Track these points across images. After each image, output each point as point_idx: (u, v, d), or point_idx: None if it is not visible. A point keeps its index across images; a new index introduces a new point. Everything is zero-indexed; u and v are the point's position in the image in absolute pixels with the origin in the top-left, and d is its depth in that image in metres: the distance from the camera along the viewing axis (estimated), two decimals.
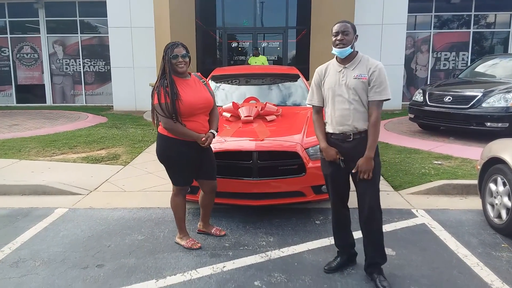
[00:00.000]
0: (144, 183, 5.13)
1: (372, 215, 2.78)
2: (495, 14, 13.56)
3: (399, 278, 2.91)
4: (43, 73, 14.02)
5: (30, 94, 14.18)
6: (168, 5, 9.49)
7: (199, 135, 3.14)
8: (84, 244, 3.51)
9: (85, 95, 14.04)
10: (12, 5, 13.50)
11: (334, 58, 2.85)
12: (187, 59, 3.13)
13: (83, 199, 4.66)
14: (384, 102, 2.74)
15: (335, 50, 2.74)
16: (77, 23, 13.63)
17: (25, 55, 13.92)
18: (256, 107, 4.43)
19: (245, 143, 3.79)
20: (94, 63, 13.96)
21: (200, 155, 3.26)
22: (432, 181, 4.87)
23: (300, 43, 12.69)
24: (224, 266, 3.09)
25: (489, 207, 3.81)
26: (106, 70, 13.62)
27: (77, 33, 13.71)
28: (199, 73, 3.44)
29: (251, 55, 11.28)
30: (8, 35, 13.73)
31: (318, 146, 3.91)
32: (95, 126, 9.18)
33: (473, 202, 4.41)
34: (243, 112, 4.34)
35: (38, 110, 12.42)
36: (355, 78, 2.70)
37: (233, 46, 12.92)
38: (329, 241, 3.48)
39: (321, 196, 3.94)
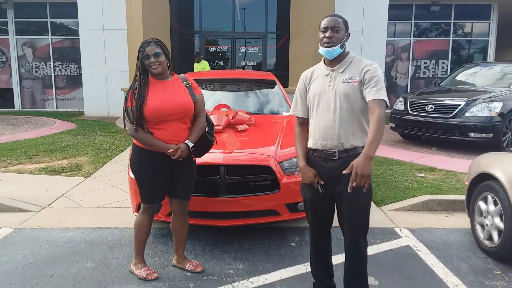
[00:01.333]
0: (104, 198, 4.65)
1: (357, 243, 2.37)
2: (473, 23, 13.59)
3: None
4: (11, 76, 13.32)
5: None
6: (140, 5, 9.04)
7: (167, 145, 2.68)
8: (23, 273, 3.02)
9: (56, 100, 13.39)
10: None
11: (322, 61, 2.44)
12: (162, 58, 2.69)
13: (32, 217, 4.15)
14: None
15: (321, 50, 2.31)
16: (47, 24, 13.02)
17: None
18: (226, 115, 4.03)
19: (211, 156, 3.37)
20: (65, 67, 13.35)
21: (173, 169, 2.82)
22: (415, 196, 4.55)
23: (280, 49, 12.39)
24: None
25: (478, 228, 3.49)
26: (78, 74, 13.01)
27: (48, 35, 13.09)
28: (186, 74, 3.00)
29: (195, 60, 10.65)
30: None
31: (295, 159, 3.59)
32: (61, 133, 8.60)
33: (460, 220, 4.11)
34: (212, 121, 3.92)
35: (4, 115, 11.71)
36: (345, 82, 2.28)
37: (211, 50, 12.51)
38: (305, 268, 3.09)
39: (297, 215, 3.56)
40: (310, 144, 2.42)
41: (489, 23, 13.52)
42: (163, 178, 2.82)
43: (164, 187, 2.86)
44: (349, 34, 2.34)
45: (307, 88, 2.45)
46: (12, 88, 13.37)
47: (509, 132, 6.60)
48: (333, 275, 2.67)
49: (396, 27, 13.44)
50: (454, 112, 6.71)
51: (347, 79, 2.28)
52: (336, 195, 2.35)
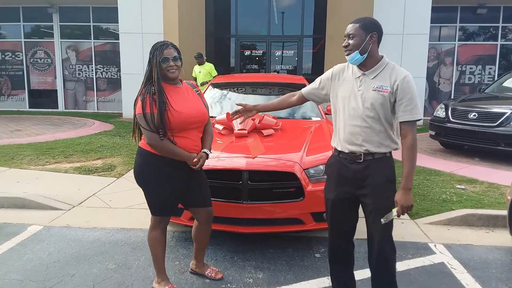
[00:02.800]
0: (132, 199, 4.69)
1: (383, 255, 2.27)
2: None
3: None
4: (55, 78, 13.91)
5: (42, 99, 14.08)
6: (177, 10, 9.17)
7: (190, 155, 2.55)
8: (47, 272, 3.06)
9: (97, 101, 13.85)
10: (27, 9, 13.47)
11: None
12: (179, 63, 2.58)
13: (62, 215, 4.25)
14: None
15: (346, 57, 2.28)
16: (90, 28, 13.49)
17: (38, 60, 13.84)
18: (253, 119, 3.95)
19: (234, 161, 3.30)
20: (106, 70, 13.77)
21: (189, 177, 2.68)
22: (454, 209, 4.27)
23: (317, 54, 12.20)
24: None
25: None
26: (118, 77, 13.38)
27: (90, 39, 13.57)
28: (192, 81, 2.89)
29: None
30: (22, 40, 13.69)
31: (321, 167, 3.45)
32: (98, 134, 8.85)
33: (502, 237, 3.80)
34: (237, 125, 3.85)
35: (47, 115, 12.26)
36: (375, 89, 2.19)
37: (246, 54, 12.51)
38: (329, 281, 2.93)
39: (323, 225, 3.39)
40: (338, 147, 2.36)
41: None
42: (179, 187, 2.66)
43: (179, 196, 2.71)
44: (375, 35, 2.20)
45: (332, 84, 2.40)
46: (57, 90, 13.94)
47: None
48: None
49: (441, 30, 12.89)
50: (500, 121, 6.28)
51: (378, 88, 2.19)
52: (360, 197, 2.30)
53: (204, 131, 2.77)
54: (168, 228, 3.82)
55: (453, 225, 4.06)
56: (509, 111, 6.25)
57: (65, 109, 13.93)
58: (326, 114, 4.86)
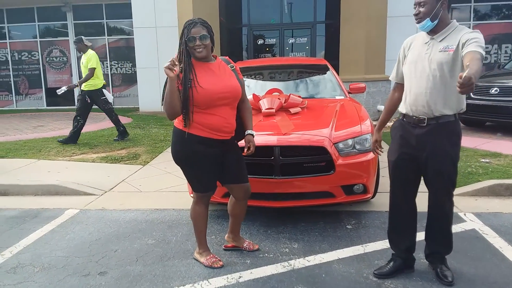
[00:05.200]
0: (161, 183, 4.81)
1: (442, 211, 2.47)
2: None
3: None
4: (71, 76, 14.13)
5: (59, 97, 14.13)
6: (191, 2, 9.23)
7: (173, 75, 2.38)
8: (90, 248, 3.20)
9: (112, 97, 14.04)
10: (41, 9, 13.68)
11: None
12: (208, 41, 2.52)
13: (96, 199, 4.39)
14: None
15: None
16: (104, 25, 13.66)
17: (54, 58, 14.09)
18: (279, 99, 4.01)
19: (265, 138, 3.37)
20: (121, 65, 13.95)
21: (224, 155, 2.71)
22: (480, 180, 4.29)
23: (330, 39, 12.15)
24: (240, 277, 2.68)
25: None
26: (133, 72, 13.55)
27: (104, 36, 13.75)
28: (227, 57, 2.86)
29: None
30: (38, 39, 13.94)
31: (350, 141, 3.51)
32: None
33: None
34: (264, 105, 3.93)
35: (66, 112, 12.49)
36: (441, 51, 2.28)
37: (259, 43, 12.53)
38: (363, 249, 3.02)
39: (353, 197, 3.48)
40: (403, 110, 2.47)
41: None
42: (216, 163, 2.69)
43: (217, 173, 2.74)
44: (446, 0, 2.28)
45: (406, 55, 2.49)
46: None
47: None
48: (415, 248, 2.67)
49: (453, 12, 12.71)
50: None
51: (444, 48, 2.29)
52: (422, 160, 2.40)
53: (242, 108, 2.78)
54: None
55: (480, 196, 4.10)
56: None
57: None
58: (349, 93, 4.91)
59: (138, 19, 11.71)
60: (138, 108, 12.57)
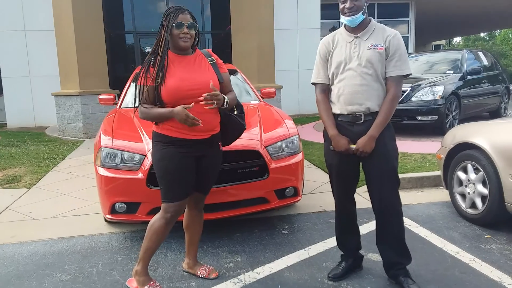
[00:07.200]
0: (58, 208, 4.10)
1: (391, 206, 2.40)
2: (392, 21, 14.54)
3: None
4: None
5: None
6: (70, 3, 8.29)
7: (171, 109, 2.22)
8: None
9: None
10: None
11: (342, 27, 2.43)
12: (194, 32, 2.31)
13: None
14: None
15: (344, 19, 2.33)
16: None
17: None
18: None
19: None
20: None
21: (199, 159, 2.39)
22: None
23: (220, 48, 12.19)
24: None
25: (459, 198, 3.61)
26: None
27: None
28: (209, 50, 2.52)
29: None
30: None
31: (279, 143, 3.44)
32: None
33: (431, 195, 4.27)
34: None
35: None
36: (370, 48, 2.29)
37: (146, 51, 11.92)
38: (307, 253, 2.95)
39: (285, 201, 3.42)
40: (337, 110, 2.41)
41: (408, 20, 14.58)
42: (191, 169, 2.36)
43: (190, 179, 2.38)
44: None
45: (330, 55, 2.41)
46: None
47: (450, 114, 7.06)
48: (361, 245, 2.68)
49: (330, 26, 13.91)
50: (401, 98, 7.02)
51: (372, 46, 2.30)
52: (364, 158, 2.38)
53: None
54: (119, 229, 3.47)
55: None
56: (408, 89, 7.02)
57: None
58: (261, 97, 4.88)
59: (2, 21, 10.13)
60: (6, 124, 10.84)
